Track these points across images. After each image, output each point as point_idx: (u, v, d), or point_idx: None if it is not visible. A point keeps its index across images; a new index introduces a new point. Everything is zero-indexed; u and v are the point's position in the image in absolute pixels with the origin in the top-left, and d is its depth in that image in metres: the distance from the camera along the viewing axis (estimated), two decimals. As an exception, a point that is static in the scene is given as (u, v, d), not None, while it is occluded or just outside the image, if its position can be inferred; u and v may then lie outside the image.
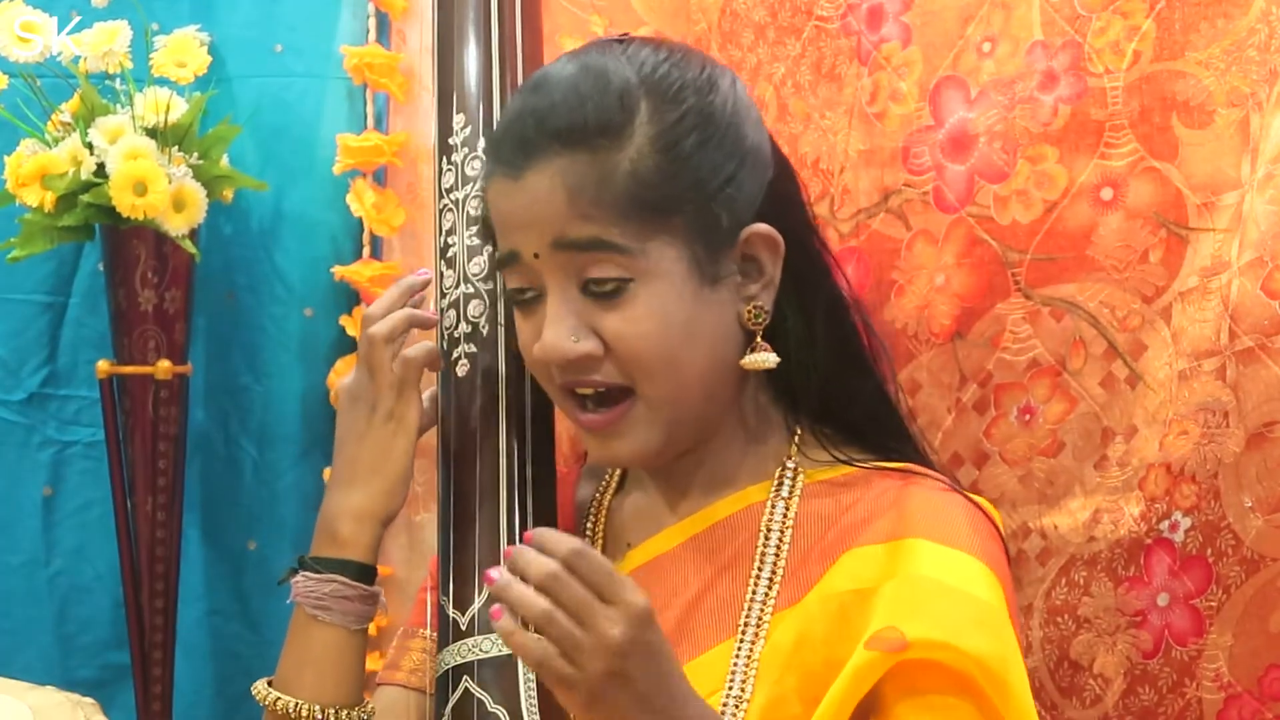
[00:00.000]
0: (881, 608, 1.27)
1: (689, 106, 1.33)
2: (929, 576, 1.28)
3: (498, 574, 1.16)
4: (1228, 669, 1.51)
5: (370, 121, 2.27)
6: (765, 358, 1.36)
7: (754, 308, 1.36)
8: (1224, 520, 1.50)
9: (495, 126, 1.44)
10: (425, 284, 1.46)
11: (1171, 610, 1.55)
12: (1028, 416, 1.65)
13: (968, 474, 1.67)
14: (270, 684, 1.42)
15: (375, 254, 2.26)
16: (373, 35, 2.27)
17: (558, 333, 1.32)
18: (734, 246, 1.35)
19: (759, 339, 1.36)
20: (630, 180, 1.30)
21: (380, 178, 2.26)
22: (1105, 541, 1.60)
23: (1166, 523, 1.55)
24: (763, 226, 1.35)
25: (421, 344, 1.44)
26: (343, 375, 2.23)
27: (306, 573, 1.41)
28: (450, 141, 1.49)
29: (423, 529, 2.15)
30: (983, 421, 1.68)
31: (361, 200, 2.21)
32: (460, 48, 1.50)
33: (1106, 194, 1.59)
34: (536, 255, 1.33)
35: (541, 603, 1.15)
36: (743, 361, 1.36)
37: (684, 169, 1.32)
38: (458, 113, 1.49)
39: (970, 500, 1.35)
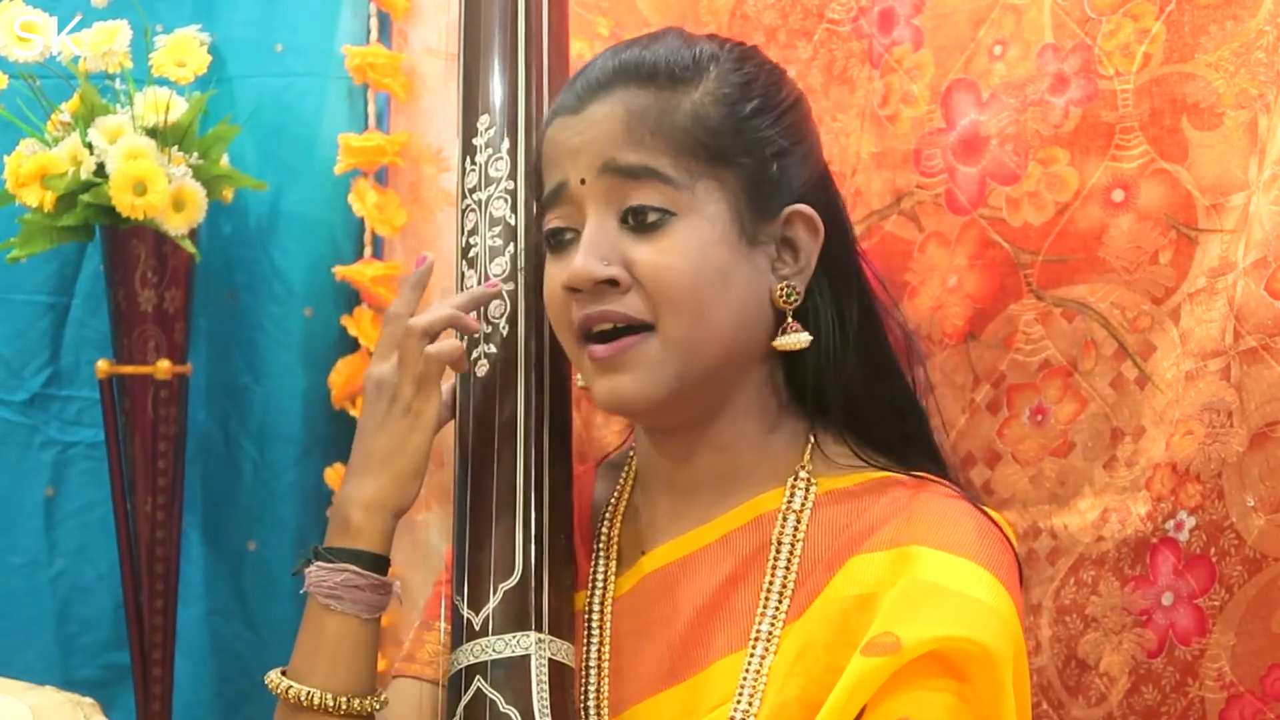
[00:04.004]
0: (881, 614, 1.27)
1: (756, 80, 1.39)
2: (929, 581, 1.28)
3: None
4: (1230, 668, 1.51)
5: (371, 121, 2.27)
6: (799, 338, 1.38)
7: (786, 286, 1.37)
8: (1227, 520, 1.50)
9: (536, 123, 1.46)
10: (430, 269, 1.48)
11: (1175, 609, 1.55)
12: (1039, 417, 1.66)
13: (980, 474, 1.68)
14: (283, 673, 1.42)
15: (376, 254, 2.26)
16: (374, 35, 2.27)
17: (587, 256, 1.34)
18: (775, 220, 1.37)
19: (790, 319, 1.38)
20: (690, 120, 1.34)
21: (381, 178, 2.26)
22: (1112, 541, 1.60)
23: (1171, 522, 1.55)
24: (806, 207, 1.38)
25: (448, 341, 1.45)
26: (343, 374, 2.24)
27: (319, 562, 1.42)
28: (474, 142, 1.49)
29: (426, 529, 2.15)
30: (995, 422, 1.68)
31: (364, 200, 2.21)
32: (486, 48, 1.51)
33: (1117, 196, 1.59)
34: (583, 181, 1.35)
35: None
36: (775, 342, 1.38)
37: (742, 127, 1.36)
38: (482, 113, 1.50)
39: (981, 510, 1.35)
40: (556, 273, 1.38)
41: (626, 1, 1.99)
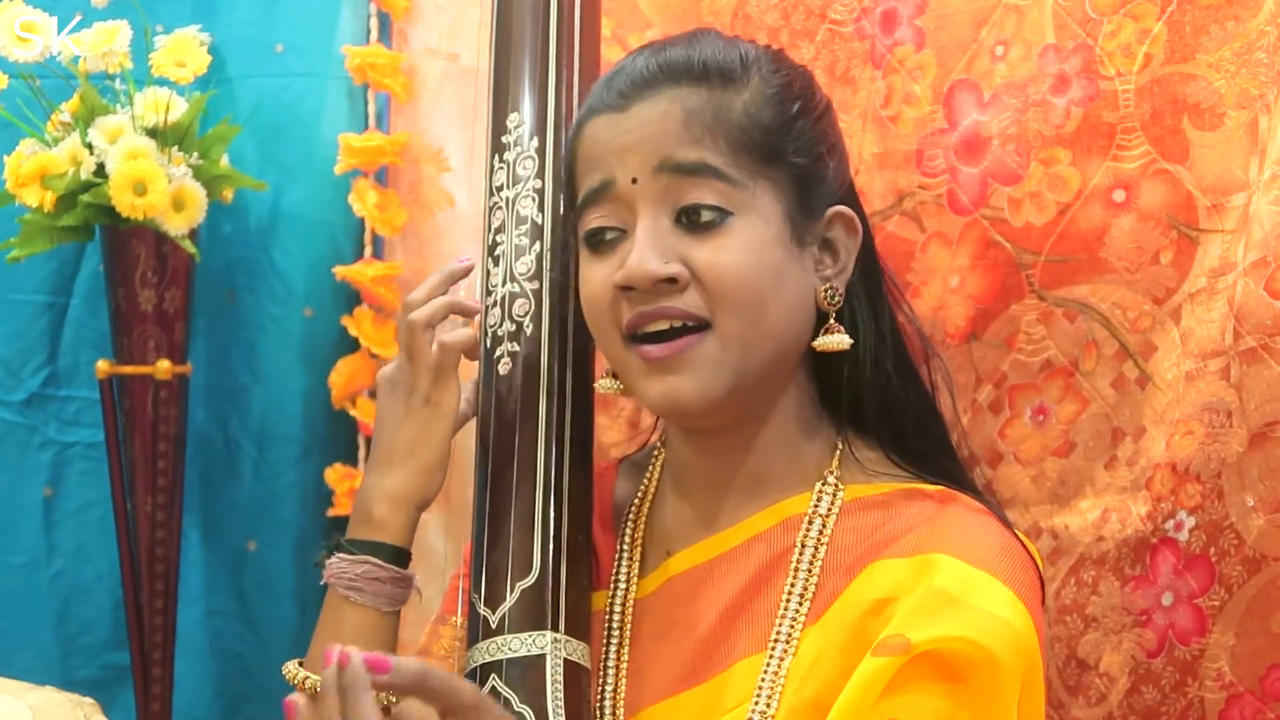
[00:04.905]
0: (896, 618, 1.26)
1: (794, 82, 1.39)
2: (946, 591, 1.27)
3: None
4: (1230, 668, 1.51)
5: (371, 121, 2.27)
6: (840, 339, 1.37)
7: (830, 288, 1.37)
8: (1227, 520, 1.50)
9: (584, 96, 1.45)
10: (467, 272, 1.47)
11: (1175, 609, 1.55)
12: (1041, 417, 1.66)
13: (982, 474, 1.67)
14: (301, 664, 1.42)
15: (376, 254, 2.26)
16: (374, 35, 2.28)
17: (645, 254, 1.32)
18: (819, 220, 1.38)
19: (832, 321, 1.38)
20: (744, 119, 1.34)
21: (381, 178, 2.26)
22: (1113, 541, 1.60)
23: (1171, 522, 1.55)
24: (846, 208, 1.39)
25: (460, 330, 1.45)
26: (343, 374, 2.24)
27: (340, 554, 1.41)
28: (504, 140, 1.49)
29: (425, 528, 2.14)
30: (997, 422, 1.69)
31: (364, 200, 2.21)
32: (517, 46, 1.51)
33: (1119, 196, 1.59)
34: (635, 181, 1.34)
35: None
36: (816, 343, 1.37)
37: (790, 127, 1.36)
38: (512, 112, 1.49)
39: (1007, 527, 1.35)
40: (601, 272, 1.36)
41: (628, 2, 1.99)
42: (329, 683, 1.13)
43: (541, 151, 1.48)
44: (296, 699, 1.15)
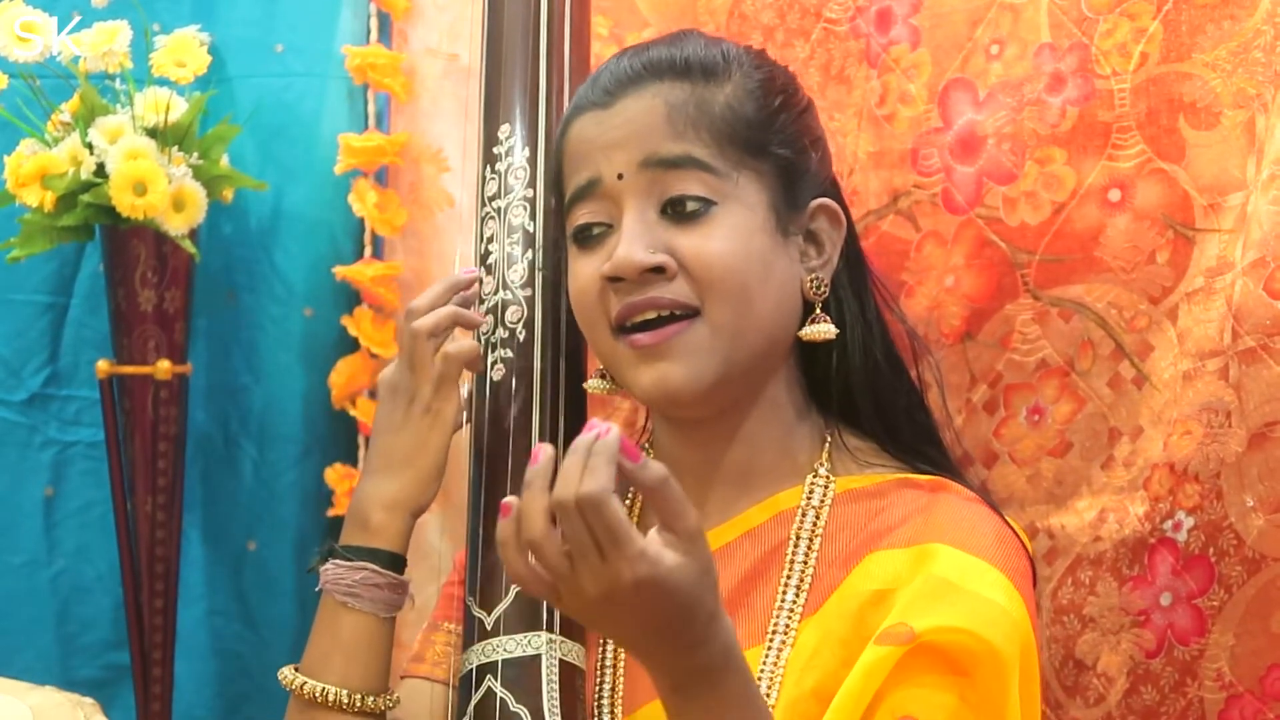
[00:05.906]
0: (896, 608, 1.27)
1: (775, 79, 1.41)
2: (946, 578, 1.28)
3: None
4: (1229, 669, 1.51)
5: (371, 121, 2.27)
6: (826, 328, 1.38)
7: (815, 278, 1.39)
8: (1226, 520, 1.50)
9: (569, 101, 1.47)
10: (472, 282, 1.47)
11: (1174, 610, 1.55)
12: (1036, 417, 1.66)
13: (977, 474, 1.67)
14: (296, 669, 1.42)
15: (377, 254, 2.26)
16: (374, 35, 2.28)
17: (632, 245, 1.34)
18: (803, 212, 1.39)
19: (818, 311, 1.39)
20: (727, 111, 1.36)
21: (381, 178, 2.26)
22: (1110, 541, 1.60)
23: (1170, 522, 1.55)
24: (830, 201, 1.40)
25: (464, 341, 1.45)
26: (343, 374, 2.24)
27: (336, 560, 1.41)
28: (495, 151, 1.51)
29: (425, 528, 2.15)
30: (992, 422, 1.69)
31: (364, 200, 2.21)
32: (509, 58, 1.52)
33: (1114, 195, 1.59)
34: (620, 176, 1.35)
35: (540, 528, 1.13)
36: (803, 332, 1.39)
37: (773, 120, 1.38)
38: (503, 123, 1.51)
39: (999, 514, 1.36)
40: (589, 266, 1.37)
41: (626, 1, 1.99)
42: (581, 445, 1.12)
43: (533, 161, 1.50)
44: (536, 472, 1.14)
